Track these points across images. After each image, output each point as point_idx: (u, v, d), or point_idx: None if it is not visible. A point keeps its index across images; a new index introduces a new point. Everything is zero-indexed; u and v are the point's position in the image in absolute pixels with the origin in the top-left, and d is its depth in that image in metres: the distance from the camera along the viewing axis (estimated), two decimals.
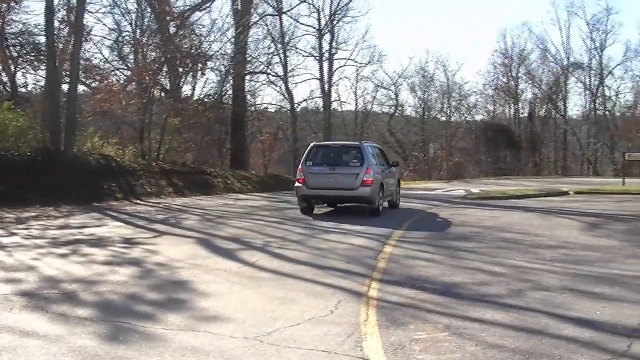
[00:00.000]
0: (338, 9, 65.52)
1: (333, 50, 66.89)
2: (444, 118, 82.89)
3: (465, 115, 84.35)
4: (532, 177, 64.27)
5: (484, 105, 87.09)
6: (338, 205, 24.21)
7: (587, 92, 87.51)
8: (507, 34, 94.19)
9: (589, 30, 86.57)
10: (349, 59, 70.22)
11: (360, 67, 72.67)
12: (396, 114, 79.67)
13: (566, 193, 35.17)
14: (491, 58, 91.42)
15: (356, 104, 78.11)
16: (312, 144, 24.17)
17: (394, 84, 77.73)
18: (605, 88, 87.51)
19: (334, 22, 66.29)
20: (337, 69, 68.80)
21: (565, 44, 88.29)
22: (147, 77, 35.06)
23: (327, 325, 7.94)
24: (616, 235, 17.36)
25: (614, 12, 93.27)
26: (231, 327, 7.89)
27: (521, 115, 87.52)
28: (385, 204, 23.76)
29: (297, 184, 22.56)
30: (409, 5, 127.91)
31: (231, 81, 47.98)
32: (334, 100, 71.66)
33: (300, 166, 22.88)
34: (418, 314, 8.54)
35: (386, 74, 77.60)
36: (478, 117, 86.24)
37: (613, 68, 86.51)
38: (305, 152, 23.53)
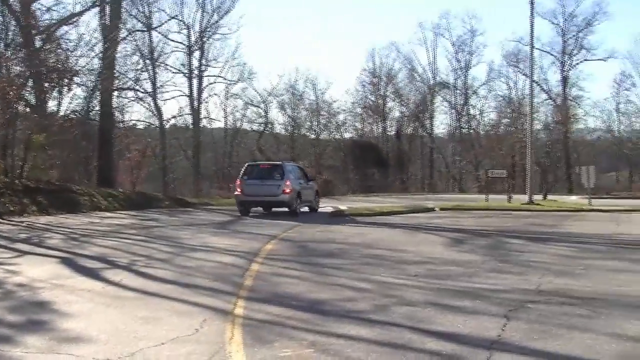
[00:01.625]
0: (208, 26, 65.70)
1: (203, 67, 67.01)
2: (313, 136, 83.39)
3: (334, 133, 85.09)
4: (400, 194, 65.24)
5: (353, 124, 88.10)
6: (272, 209, 31.95)
7: (453, 111, 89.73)
8: (376, 54, 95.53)
9: (454, 51, 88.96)
10: (218, 76, 69.90)
11: (230, 84, 72.63)
12: (266, 132, 79.67)
13: (432, 209, 35.88)
14: (360, 77, 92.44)
15: (226, 121, 77.85)
16: (246, 164, 32.64)
17: (263, 101, 77.81)
18: (470, 107, 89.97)
19: (204, 39, 66.41)
20: (206, 86, 68.87)
21: (432, 64, 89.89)
22: (11, 92, 34.02)
23: (191, 345, 7.86)
24: (478, 250, 17.77)
25: (479, 34, 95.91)
26: (93, 348, 7.72)
27: (389, 134, 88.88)
28: (306, 209, 32.75)
29: (236, 193, 30.91)
30: (279, 24, 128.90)
31: (98, 97, 47.13)
32: (204, 118, 71.47)
33: (238, 180, 30.81)
34: (284, 331, 8.54)
35: (256, 91, 77.50)
36: (347, 135, 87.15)
37: (477, 88, 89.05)
38: (242, 170, 31.55)
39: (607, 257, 16.28)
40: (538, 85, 79.49)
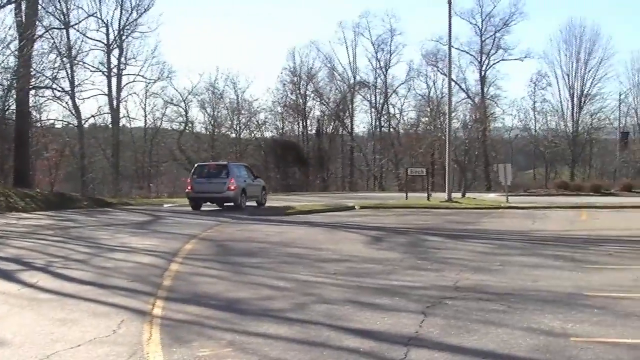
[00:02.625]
0: (127, 24, 64.92)
1: (122, 66, 66.12)
2: (233, 135, 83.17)
3: (255, 132, 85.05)
4: (321, 193, 65.36)
5: (273, 122, 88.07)
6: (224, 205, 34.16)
7: (373, 110, 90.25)
8: (296, 53, 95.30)
9: (374, 50, 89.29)
10: (138, 74, 68.98)
11: (149, 83, 71.80)
12: (186, 131, 79.12)
13: (352, 208, 36.01)
14: (280, 76, 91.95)
15: (145, 120, 77.00)
16: (196, 165, 37.35)
17: (183, 100, 77.15)
18: (389, 106, 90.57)
19: (123, 37, 65.58)
20: (126, 84, 68.00)
21: (352, 63, 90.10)
22: None
23: (109, 346, 7.78)
24: (398, 247, 17.94)
25: (398, 34, 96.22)
26: (7, 351, 7.61)
27: (309, 132, 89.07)
28: (254, 204, 35.73)
29: (187, 190, 34.38)
30: (199, 22, 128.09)
31: (14, 96, 46.13)
32: (123, 117, 70.53)
33: (189, 179, 34.74)
34: (202, 330, 8.52)
35: (176, 90, 76.80)
36: (267, 134, 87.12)
37: (397, 87, 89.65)
38: (192, 169, 36.10)
39: (523, 253, 16.59)
40: (456, 84, 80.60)
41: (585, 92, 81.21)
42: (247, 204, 34.61)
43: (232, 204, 33.48)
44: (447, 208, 35.70)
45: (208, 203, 34.31)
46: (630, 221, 26.05)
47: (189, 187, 33.99)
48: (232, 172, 33.57)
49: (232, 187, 32.77)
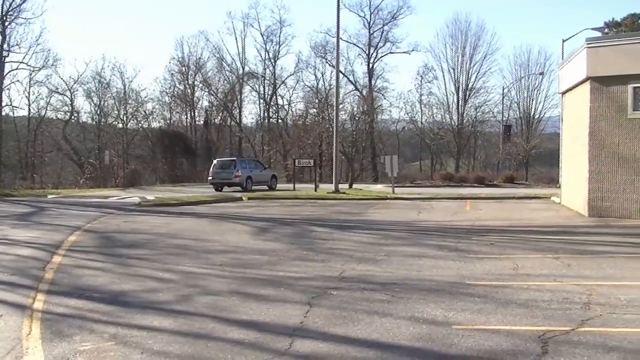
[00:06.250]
0: (10, 9, 62.94)
1: (5, 53, 64.14)
2: (120, 125, 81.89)
3: (142, 122, 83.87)
4: (209, 184, 65.05)
5: (161, 113, 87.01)
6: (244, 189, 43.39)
7: (262, 100, 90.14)
8: (185, 42, 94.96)
9: (263, 41, 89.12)
10: (21, 62, 67.15)
11: (33, 70, 70.04)
12: (72, 120, 77.54)
13: (239, 199, 35.96)
14: (168, 65, 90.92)
15: (29, 109, 75.12)
16: (215, 160, 48.03)
17: (69, 89, 75.51)
18: (278, 97, 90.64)
19: (6, 23, 63.65)
20: (9, 72, 66.01)
21: (241, 54, 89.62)
22: None
23: None
24: (284, 238, 17.97)
25: (287, 25, 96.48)
26: None
27: (197, 123, 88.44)
28: (265, 187, 46.59)
29: (209, 177, 46.25)
30: (86, 9, 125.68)
31: None
32: (6, 105, 68.63)
33: (210, 169, 46.17)
34: (84, 324, 8.38)
35: (61, 79, 75.19)
36: (155, 124, 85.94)
37: (286, 78, 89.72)
38: (213, 163, 46.70)
39: (408, 244, 16.84)
40: (345, 76, 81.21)
41: (470, 85, 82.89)
42: (256, 187, 45.06)
43: (239, 187, 43.79)
44: (334, 199, 35.92)
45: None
46: (512, 212, 26.65)
47: (211, 176, 45.97)
48: (238, 165, 45.00)
49: (238, 175, 43.80)
